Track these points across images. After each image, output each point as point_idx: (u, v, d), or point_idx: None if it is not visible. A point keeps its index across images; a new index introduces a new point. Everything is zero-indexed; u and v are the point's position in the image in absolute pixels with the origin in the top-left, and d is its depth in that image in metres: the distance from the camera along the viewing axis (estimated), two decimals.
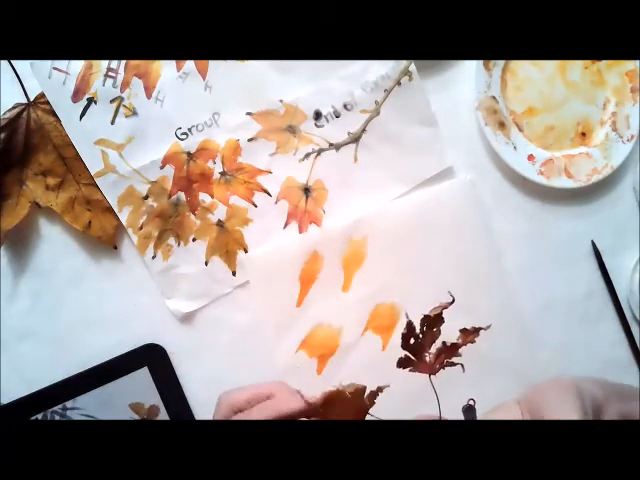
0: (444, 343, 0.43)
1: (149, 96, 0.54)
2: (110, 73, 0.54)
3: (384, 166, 0.56)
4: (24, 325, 0.55)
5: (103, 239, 0.55)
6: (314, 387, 0.56)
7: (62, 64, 0.53)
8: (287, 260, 0.56)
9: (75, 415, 0.54)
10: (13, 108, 0.53)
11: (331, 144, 0.56)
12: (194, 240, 0.56)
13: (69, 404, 0.54)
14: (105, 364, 0.55)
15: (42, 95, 0.53)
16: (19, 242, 0.55)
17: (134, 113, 0.54)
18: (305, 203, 0.56)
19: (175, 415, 0.55)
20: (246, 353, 0.56)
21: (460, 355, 0.44)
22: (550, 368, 0.57)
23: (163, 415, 0.55)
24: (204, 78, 0.55)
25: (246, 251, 0.56)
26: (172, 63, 0.54)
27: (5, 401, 0.54)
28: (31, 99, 0.53)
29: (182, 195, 0.55)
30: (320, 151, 0.56)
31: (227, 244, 0.56)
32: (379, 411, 0.41)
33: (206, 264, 0.56)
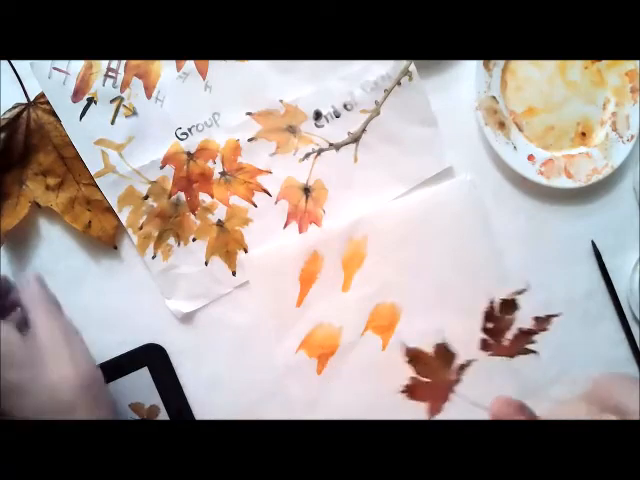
0: (520, 329, 0.47)
1: (149, 96, 0.54)
2: (110, 73, 0.54)
3: (384, 166, 0.56)
4: None
5: (103, 239, 0.55)
6: (314, 387, 0.56)
7: (62, 64, 0.53)
8: (287, 260, 0.56)
9: None
10: (13, 108, 0.53)
11: (331, 144, 0.56)
12: (194, 240, 0.56)
13: None
14: (105, 364, 0.55)
15: (42, 95, 0.53)
16: (19, 242, 0.55)
17: (134, 113, 0.54)
18: (305, 203, 0.56)
19: (175, 415, 0.55)
20: (246, 353, 0.56)
21: (535, 342, 0.48)
22: (550, 368, 0.57)
23: (163, 415, 0.55)
24: (204, 78, 0.55)
25: (246, 251, 0.56)
26: (172, 63, 0.54)
27: None
28: (31, 99, 0.53)
29: (182, 195, 0.55)
30: (320, 151, 0.56)
31: (227, 244, 0.56)
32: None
33: (206, 264, 0.56)
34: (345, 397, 0.56)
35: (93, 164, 0.54)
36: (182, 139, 0.55)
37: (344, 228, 0.56)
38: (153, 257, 0.55)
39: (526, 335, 0.50)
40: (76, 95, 0.53)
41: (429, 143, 0.56)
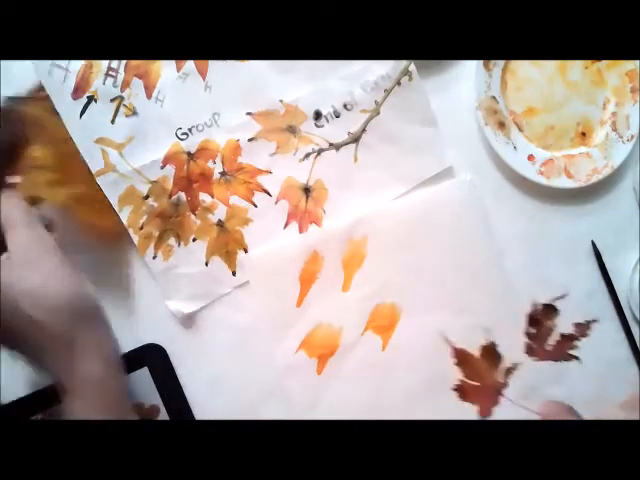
0: (562, 335, 0.48)
1: (149, 96, 0.54)
2: (110, 72, 0.54)
3: (384, 166, 0.56)
4: None
5: (104, 238, 0.54)
6: (314, 387, 0.56)
7: (62, 61, 0.53)
8: (287, 260, 0.56)
9: None
10: (9, 100, 0.52)
11: (331, 144, 0.56)
12: (194, 240, 0.56)
13: None
14: None
15: (38, 89, 0.52)
16: None
17: (134, 113, 0.54)
18: (305, 203, 0.56)
19: (175, 415, 0.55)
20: (246, 353, 0.56)
21: (577, 347, 0.50)
22: (550, 368, 0.57)
23: (163, 415, 0.55)
24: (204, 78, 0.55)
25: (246, 251, 0.56)
26: (172, 63, 0.54)
27: (5, 401, 0.54)
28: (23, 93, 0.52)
29: (182, 195, 0.55)
30: (320, 151, 0.56)
31: (227, 244, 0.56)
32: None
33: (206, 264, 0.56)
34: (345, 397, 0.56)
35: (93, 162, 0.54)
36: (182, 139, 0.55)
37: (344, 228, 0.56)
38: (154, 257, 0.55)
39: (568, 341, 0.51)
40: (76, 92, 0.53)
41: (429, 143, 0.56)
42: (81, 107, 0.54)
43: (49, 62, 0.53)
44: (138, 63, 0.54)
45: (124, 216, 0.55)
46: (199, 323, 0.56)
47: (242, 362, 0.56)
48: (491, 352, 0.51)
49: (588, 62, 0.57)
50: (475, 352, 0.53)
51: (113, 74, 0.54)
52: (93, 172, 0.54)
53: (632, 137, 0.57)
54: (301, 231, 0.56)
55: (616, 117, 0.57)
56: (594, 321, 0.47)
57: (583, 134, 0.58)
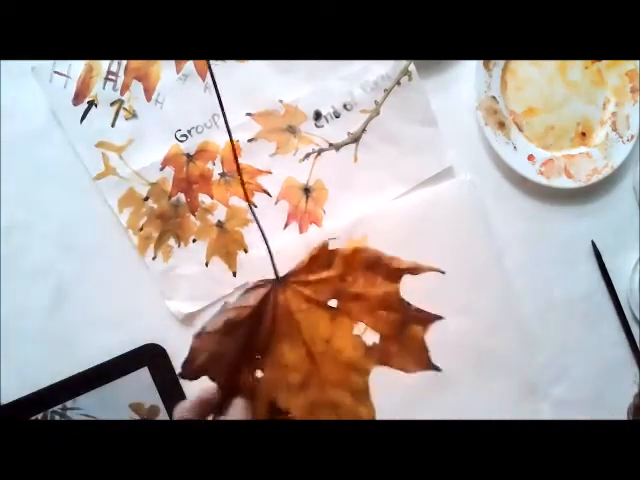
0: None
1: (149, 98, 0.54)
2: (110, 76, 0.54)
3: (384, 166, 0.56)
4: (24, 325, 0.55)
5: None
6: None
7: (63, 68, 0.53)
8: (287, 260, 0.56)
9: (75, 415, 0.54)
10: (257, 287, 0.41)
11: (331, 144, 0.56)
12: (194, 241, 0.56)
13: (69, 404, 0.54)
14: (105, 364, 0.55)
15: (299, 271, 0.41)
16: (19, 242, 0.55)
17: (134, 115, 0.54)
18: (305, 203, 0.56)
19: None
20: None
21: None
22: (550, 368, 0.57)
23: (163, 415, 0.55)
24: (204, 79, 0.55)
25: (246, 251, 0.56)
26: (172, 65, 0.54)
27: (5, 401, 0.54)
28: (280, 275, 0.41)
29: (182, 196, 0.55)
30: (320, 151, 0.56)
31: (227, 245, 0.56)
32: None
33: (206, 265, 0.56)
34: None
35: (94, 166, 0.54)
36: (182, 141, 0.55)
37: (344, 228, 0.56)
38: (153, 258, 0.55)
39: None
40: (77, 98, 0.54)
41: (429, 143, 0.56)
42: (81, 113, 0.54)
43: (50, 69, 0.53)
44: (138, 65, 0.54)
45: (124, 218, 0.55)
46: (199, 323, 0.56)
47: None
48: None
49: (588, 62, 0.57)
50: None
51: (113, 78, 0.54)
52: (93, 176, 0.54)
53: (632, 137, 0.57)
54: (301, 231, 0.56)
55: (616, 117, 0.57)
56: None
57: (583, 134, 0.58)
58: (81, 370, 0.55)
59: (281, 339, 0.40)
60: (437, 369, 0.39)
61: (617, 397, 0.58)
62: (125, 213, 0.55)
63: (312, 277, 0.40)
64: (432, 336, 0.56)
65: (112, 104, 0.54)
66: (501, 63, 0.56)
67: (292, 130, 0.56)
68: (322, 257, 0.40)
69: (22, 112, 0.55)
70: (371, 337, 0.40)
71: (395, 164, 0.57)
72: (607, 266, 0.58)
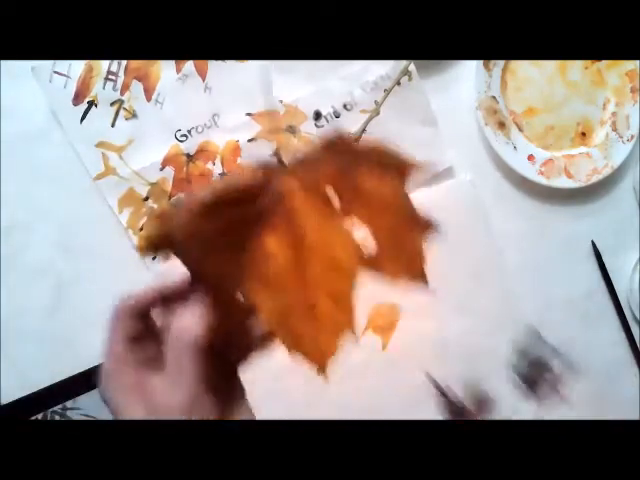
0: None
1: (149, 99, 0.54)
2: (110, 76, 0.54)
3: None
4: (24, 325, 0.55)
5: (310, 358, 0.37)
6: (314, 387, 0.56)
7: (63, 68, 0.53)
8: None
9: (75, 415, 0.54)
10: (254, 167, 0.35)
11: None
12: None
13: (69, 404, 0.54)
14: None
15: (300, 157, 0.35)
16: (19, 242, 0.55)
17: (134, 116, 0.54)
18: None
19: None
20: None
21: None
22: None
23: None
24: (204, 79, 0.55)
25: None
26: (172, 65, 0.54)
27: (5, 401, 0.54)
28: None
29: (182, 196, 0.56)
30: None
31: None
32: None
33: None
34: (345, 397, 0.56)
35: (94, 167, 0.54)
36: (182, 141, 0.55)
37: None
38: (153, 258, 0.55)
39: None
40: (77, 98, 0.54)
41: (429, 143, 0.56)
42: (82, 113, 0.54)
43: (50, 69, 0.53)
44: (138, 65, 0.54)
45: (124, 218, 0.55)
46: None
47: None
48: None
49: (588, 62, 0.57)
50: None
51: (113, 78, 0.54)
52: (93, 176, 0.54)
53: (632, 137, 0.57)
54: None
55: (616, 117, 0.57)
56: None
57: (583, 134, 0.58)
58: (81, 370, 0.55)
59: (268, 228, 0.34)
60: (425, 282, 0.35)
61: (617, 397, 0.58)
62: (125, 213, 0.55)
63: (313, 164, 0.35)
64: (433, 335, 0.56)
65: (112, 104, 0.54)
66: (501, 63, 0.56)
67: (292, 130, 0.56)
68: (336, 146, 0.35)
69: (22, 112, 0.55)
70: (364, 237, 0.35)
71: None
72: (607, 266, 0.58)
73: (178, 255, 0.33)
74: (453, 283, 0.56)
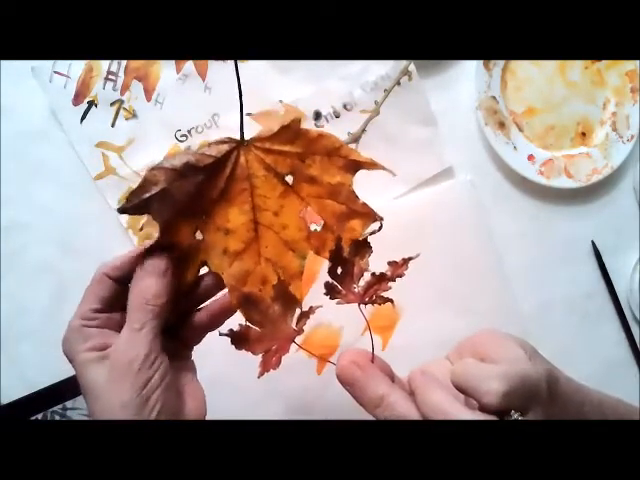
0: (373, 274, 0.43)
1: (149, 99, 0.54)
2: (110, 76, 0.54)
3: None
4: (24, 325, 0.55)
5: (262, 327, 0.43)
6: (314, 387, 0.56)
7: (63, 68, 0.53)
8: None
9: (75, 415, 0.54)
10: (222, 142, 0.40)
11: None
12: None
13: (69, 404, 0.54)
14: None
15: (265, 138, 0.40)
16: (19, 241, 0.55)
17: (134, 116, 0.54)
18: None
19: None
20: (246, 353, 0.56)
21: (390, 289, 0.44)
22: None
23: None
24: (204, 79, 0.55)
25: None
26: (172, 65, 0.54)
27: (5, 401, 0.54)
28: (246, 137, 0.41)
29: None
30: None
31: None
32: None
33: None
34: (345, 397, 0.56)
35: (94, 167, 0.54)
36: (182, 141, 0.55)
37: None
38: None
39: (380, 282, 0.45)
40: (77, 98, 0.54)
41: (429, 143, 0.56)
42: (82, 113, 0.54)
43: (50, 69, 0.53)
44: (138, 65, 0.54)
45: (124, 218, 0.55)
46: None
47: (242, 362, 0.56)
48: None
49: (588, 62, 0.57)
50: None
51: (113, 78, 0.54)
52: (93, 176, 0.54)
53: (632, 137, 0.57)
54: None
55: (616, 117, 0.57)
56: (410, 258, 0.43)
57: (583, 134, 0.58)
58: None
59: (230, 202, 0.39)
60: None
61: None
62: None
63: (276, 147, 0.40)
64: (433, 335, 0.56)
65: (112, 104, 0.54)
66: (501, 63, 0.56)
67: None
68: (291, 131, 0.40)
69: (22, 112, 0.55)
70: (313, 217, 0.40)
71: (395, 164, 0.56)
72: (607, 266, 0.58)
73: (152, 214, 0.36)
74: (453, 283, 0.56)
